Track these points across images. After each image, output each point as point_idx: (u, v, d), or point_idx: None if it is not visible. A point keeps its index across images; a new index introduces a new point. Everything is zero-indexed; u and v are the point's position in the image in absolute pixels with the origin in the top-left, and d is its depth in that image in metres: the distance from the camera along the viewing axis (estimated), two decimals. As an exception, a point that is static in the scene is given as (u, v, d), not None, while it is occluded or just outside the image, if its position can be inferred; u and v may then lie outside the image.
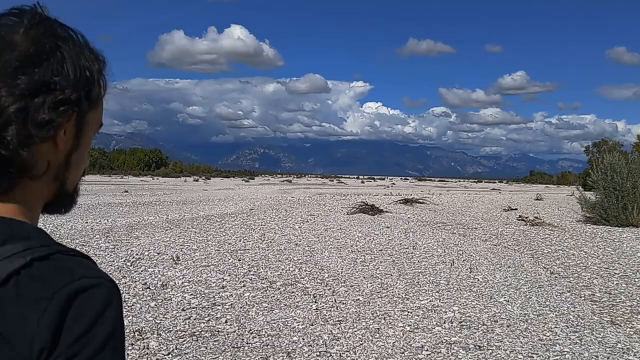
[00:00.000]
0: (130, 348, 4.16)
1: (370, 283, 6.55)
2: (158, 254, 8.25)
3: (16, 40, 0.68)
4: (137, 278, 6.55)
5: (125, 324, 3.97)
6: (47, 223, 11.75)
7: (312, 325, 4.85)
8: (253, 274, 6.95)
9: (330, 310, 5.34)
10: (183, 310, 5.26)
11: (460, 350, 4.25)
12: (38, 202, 0.74)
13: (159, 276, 6.71)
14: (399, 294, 6.04)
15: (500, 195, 32.73)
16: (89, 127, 0.77)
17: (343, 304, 5.61)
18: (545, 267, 7.91)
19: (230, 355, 4.09)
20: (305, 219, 13.98)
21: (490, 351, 4.25)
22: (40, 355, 0.60)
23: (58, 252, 0.66)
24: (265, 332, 4.63)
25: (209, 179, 69.67)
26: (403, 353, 4.19)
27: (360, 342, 4.38)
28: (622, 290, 6.49)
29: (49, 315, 0.61)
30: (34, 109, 0.67)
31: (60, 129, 0.71)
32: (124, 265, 7.30)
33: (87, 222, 12.15)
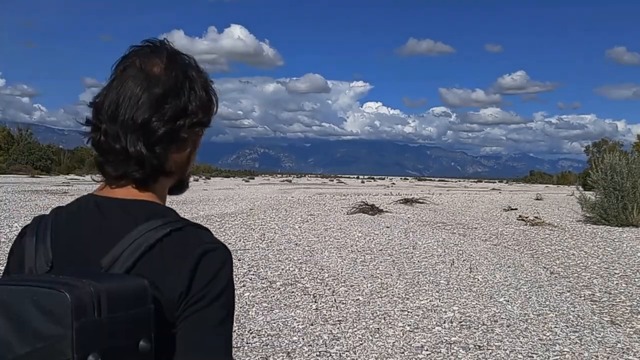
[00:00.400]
0: (130, 348, 4.16)
1: (370, 283, 6.55)
2: (158, 253, 8.25)
3: (158, 75, 0.90)
4: (137, 278, 6.56)
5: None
6: (47, 223, 11.76)
7: (312, 325, 4.85)
8: (253, 274, 6.95)
9: (330, 310, 5.35)
10: (183, 310, 5.26)
11: (460, 350, 4.25)
12: (166, 189, 0.99)
13: (159, 276, 6.71)
14: (398, 294, 6.04)
15: (500, 195, 32.74)
16: (202, 134, 1.00)
17: (343, 303, 5.61)
18: (545, 267, 7.91)
19: (230, 355, 4.09)
20: (305, 218, 13.99)
21: (490, 351, 4.25)
22: (179, 298, 0.85)
23: (187, 225, 0.90)
24: (265, 332, 4.64)
25: (209, 179, 69.68)
26: (403, 353, 4.19)
27: (360, 342, 4.39)
28: (622, 290, 6.49)
29: (185, 270, 0.85)
30: (176, 130, 0.91)
31: (192, 142, 0.97)
32: (124, 265, 7.30)
33: (87, 222, 12.16)
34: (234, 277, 1.14)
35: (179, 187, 1.03)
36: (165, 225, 0.87)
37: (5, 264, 1.02)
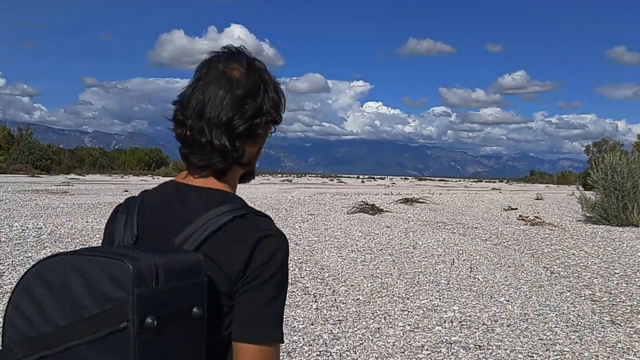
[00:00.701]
0: (130, 347, 4.16)
1: (371, 282, 6.55)
2: (158, 253, 8.25)
3: (239, 79, 1.05)
4: (137, 277, 6.55)
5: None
6: (48, 223, 11.76)
7: (312, 324, 4.85)
8: (253, 274, 6.95)
9: (331, 310, 5.34)
10: (183, 309, 5.26)
11: (461, 350, 4.25)
12: (237, 179, 1.14)
13: (159, 276, 6.71)
14: (399, 294, 6.04)
15: (500, 195, 32.73)
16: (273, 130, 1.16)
17: (343, 303, 5.61)
18: (545, 267, 7.91)
19: (231, 354, 4.09)
20: (306, 218, 13.98)
21: (490, 351, 4.25)
22: (237, 275, 0.98)
23: (250, 213, 1.04)
24: (266, 331, 4.63)
25: (209, 179, 69.63)
26: (403, 352, 4.19)
27: (361, 342, 4.38)
28: (623, 290, 6.49)
29: (243, 252, 0.99)
30: (254, 127, 1.06)
31: (263, 137, 1.12)
32: (124, 265, 7.29)
33: (87, 222, 12.15)
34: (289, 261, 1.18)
35: (249, 175, 1.20)
36: (231, 212, 1.01)
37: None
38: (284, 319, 3.87)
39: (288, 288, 1.08)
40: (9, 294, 1.03)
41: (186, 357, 0.91)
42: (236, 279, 0.99)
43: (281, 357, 4.02)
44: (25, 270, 4.28)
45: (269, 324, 1.00)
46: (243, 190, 33.05)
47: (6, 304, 0.95)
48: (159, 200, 1.10)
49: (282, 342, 1.04)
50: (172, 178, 1.15)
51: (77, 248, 1.08)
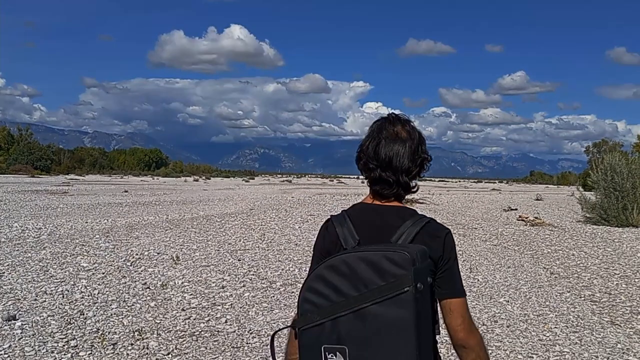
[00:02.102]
0: (129, 348, 4.16)
1: (370, 283, 6.55)
2: (158, 254, 8.25)
3: (406, 138, 1.54)
4: (137, 278, 6.55)
5: (125, 324, 3.97)
6: (48, 223, 11.75)
7: (312, 325, 4.84)
8: (253, 274, 6.95)
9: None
10: (183, 310, 5.26)
11: (460, 351, 4.25)
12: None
13: (159, 276, 6.71)
14: (399, 294, 6.03)
15: (500, 196, 32.73)
16: None
17: (343, 304, 5.61)
18: (545, 268, 7.91)
19: (230, 355, 4.09)
20: (306, 219, 13.98)
21: (490, 351, 4.25)
22: (438, 259, 1.47)
23: (431, 219, 1.52)
24: (265, 332, 4.63)
25: (209, 179, 69.64)
26: (403, 353, 4.19)
27: (360, 342, 4.39)
28: (622, 291, 6.49)
29: (439, 243, 1.48)
30: (421, 169, 1.58)
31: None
32: (124, 265, 7.30)
33: (87, 222, 12.15)
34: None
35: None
36: (423, 219, 1.51)
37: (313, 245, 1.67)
38: (285, 319, 3.86)
39: None
40: (302, 284, 1.40)
41: (430, 307, 1.41)
42: (438, 260, 1.47)
43: (281, 358, 4.03)
44: (25, 270, 4.27)
45: (461, 284, 1.54)
46: (241, 191, 33.03)
47: (300, 289, 1.39)
48: (365, 215, 1.56)
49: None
50: (361, 201, 1.63)
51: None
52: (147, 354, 4.05)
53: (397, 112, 1.62)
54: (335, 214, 1.63)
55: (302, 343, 1.37)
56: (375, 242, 1.46)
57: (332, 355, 1.32)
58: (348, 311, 1.31)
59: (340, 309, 1.31)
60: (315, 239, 1.65)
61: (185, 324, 4.83)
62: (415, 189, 1.63)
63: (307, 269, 6.70)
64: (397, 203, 1.58)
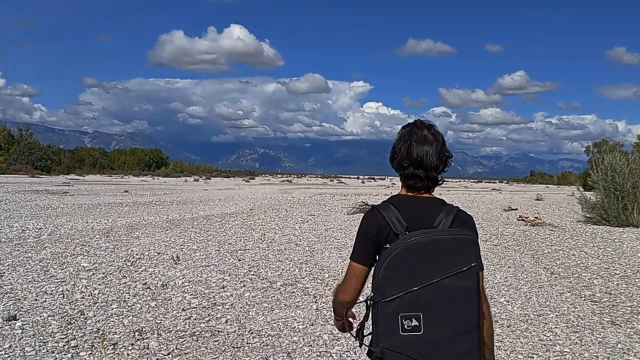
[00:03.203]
0: (130, 348, 4.16)
1: (370, 283, 6.54)
2: (158, 254, 8.25)
3: (433, 140, 1.80)
4: (137, 278, 6.55)
5: (125, 324, 3.96)
6: (48, 223, 11.75)
7: (312, 325, 4.85)
8: (253, 274, 6.95)
9: (331, 310, 5.33)
10: (183, 310, 5.26)
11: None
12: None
13: (159, 276, 6.71)
14: (399, 294, 6.03)
15: (500, 195, 32.72)
16: None
17: (343, 304, 5.60)
18: (545, 268, 7.91)
19: (230, 355, 4.09)
20: (306, 219, 13.98)
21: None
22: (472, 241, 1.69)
23: (459, 208, 1.79)
24: (266, 332, 4.63)
25: (209, 179, 69.65)
26: (403, 353, 4.19)
27: (361, 342, 4.39)
28: (623, 291, 6.49)
29: (470, 227, 1.76)
30: (446, 166, 1.84)
31: None
32: (124, 265, 7.30)
33: (87, 222, 12.15)
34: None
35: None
36: (453, 208, 1.78)
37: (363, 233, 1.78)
38: (286, 319, 3.86)
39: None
40: (383, 264, 1.61)
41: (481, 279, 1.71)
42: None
43: (281, 358, 4.03)
44: (25, 270, 4.28)
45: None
46: (241, 191, 33.02)
47: (380, 271, 1.61)
48: (407, 205, 1.78)
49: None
50: (402, 193, 1.86)
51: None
52: (147, 354, 4.05)
53: (424, 120, 1.91)
54: (375, 205, 1.82)
55: (381, 313, 1.58)
56: (421, 228, 1.69)
57: (408, 321, 1.56)
58: (424, 284, 1.56)
59: (419, 282, 1.56)
60: (360, 226, 1.80)
61: (186, 324, 4.82)
62: (441, 182, 1.89)
63: (307, 270, 6.68)
64: (428, 194, 1.85)
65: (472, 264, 1.60)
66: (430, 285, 1.56)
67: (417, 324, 1.56)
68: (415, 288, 1.56)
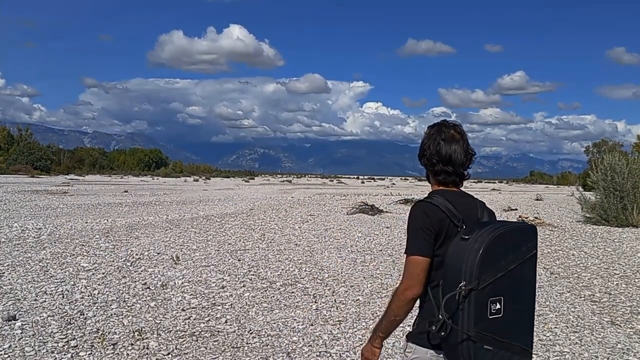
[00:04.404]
0: (129, 348, 4.16)
1: (370, 283, 6.55)
2: (158, 254, 8.25)
3: (459, 138, 1.96)
4: (137, 278, 6.55)
5: (125, 324, 3.95)
6: (48, 223, 11.74)
7: (312, 325, 4.85)
8: (253, 274, 6.95)
9: (330, 311, 5.34)
10: (183, 310, 5.26)
11: (460, 351, 4.24)
12: None
13: (159, 276, 6.71)
14: (399, 294, 6.03)
15: (500, 196, 32.72)
16: None
17: (343, 304, 5.61)
18: (545, 267, 7.91)
19: (230, 355, 4.09)
20: (305, 219, 13.98)
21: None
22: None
23: (484, 202, 2.05)
24: (265, 332, 4.63)
25: (209, 179, 69.63)
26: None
27: (360, 342, 4.38)
28: (622, 291, 6.49)
29: (494, 214, 2.02)
30: (471, 161, 2.01)
31: None
32: (124, 265, 7.29)
33: (87, 222, 12.15)
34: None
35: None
36: (481, 201, 2.01)
37: (422, 225, 1.84)
38: (285, 319, 3.84)
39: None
40: (475, 254, 1.70)
41: None
42: None
43: (281, 358, 4.03)
44: (25, 270, 4.28)
45: None
46: (241, 191, 33.03)
47: (475, 261, 1.69)
48: (454, 198, 1.91)
49: None
50: (442, 188, 1.97)
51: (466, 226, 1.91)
52: (147, 354, 4.05)
53: (450, 119, 2.06)
54: (423, 199, 1.93)
55: (475, 300, 1.69)
56: (471, 220, 1.88)
57: (494, 304, 1.71)
58: (507, 270, 1.72)
59: (502, 269, 1.71)
60: (414, 220, 1.86)
61: (185, 324, 4.82)
62: (467, 177, 2.03)
63: (307, 270, 6.67)
64: (460, 188, 2.00)
65: (534, 251, 1.79)
66: (508, 272, 1.72)
67: (499, 307, 1.72)
68: (501, 274, 1.71)
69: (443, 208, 1.85)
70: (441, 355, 1.84)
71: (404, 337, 1.98)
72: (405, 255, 1.87)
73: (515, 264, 1.74)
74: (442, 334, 1.74)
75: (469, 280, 1.68)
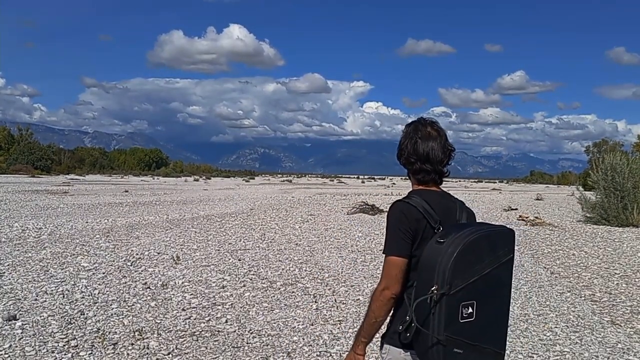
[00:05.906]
0: (130, 348, 4.16)
1: (371, 283, 6.55)
2: (158, 253, 8.25)
3: (437, 135, 1.93)
4: (137, 278, 6.55)
5: (125, 324, 3.95)
6: (48, 223, 11.75)
7: (312, 325, 4.85)
8: (253, 274, 6.95)
9: (331, 310, 5.34)
10: (183, 310, 5.26)
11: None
12: None
13: (159, 276, 6.71)
14: (399, 294, 6.03)
15: (500, 195, 32.72)
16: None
17: (343, 303, 5.61)
18: (545, 267, 7.91)
19: (230, 355, 4.09)
20: (306, 218, 13.98)
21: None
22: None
23: (463, 202, 2.00)
24: (266, 332, 4.63)
25: (209, 179, 69.63)
26: (403, 353, 4.19)
27: (361, 342, 4.39)
28: (623, 290, 6.49)
29: (474, 218, 1.99)
30: (451, 157, 1.96)
31: None
32: (124, 265, 7.30)
33: (87, 222, 12.15)
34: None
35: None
36: (461, 201, 1.97)
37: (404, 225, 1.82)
38: (286, 319, 3.84)
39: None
40: (452, 258, 1.67)
41: None
42: None
43: (281, 357, 4.02)
44: (25, 270, 4.28)
45: None
46: (241, 191, 33.03)
47: (447, 265, 1.66)
48: (432, 198, 1.88)
49: None
50: (421, 188, 1.94)
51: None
52: (147, 354, 4.05)
53: (427, 116, 2.01)
54: (402, 199, 1.90)
55: (447, 304, 1.66)
56: (449, 221, 1.86)
57: (465, 308, 1.69)
58: (481, 275, 1.70)
59: (476, 273, 1.69)
60: (392, 220, 1.84)
61: (186, 323, 4.82)
62: (447, 174, 1.98)
63: (307, 269, 6.67)
64: (437, 187, 1.97)
65: (511, 255, 1.78)
66: (482, 276, 1.70)
67: (472, 311, 1.70)
68: (475, 279, 1.69)
69: (420, 209, 1.82)
70: (415, 355, 1.81)
71: (379, 336, 1.94)
72: (383, 255, 1.85)
73: (491, 268, 1.72)
74: (408, 334, 1.73)
75: (441, 285, 1.65)
